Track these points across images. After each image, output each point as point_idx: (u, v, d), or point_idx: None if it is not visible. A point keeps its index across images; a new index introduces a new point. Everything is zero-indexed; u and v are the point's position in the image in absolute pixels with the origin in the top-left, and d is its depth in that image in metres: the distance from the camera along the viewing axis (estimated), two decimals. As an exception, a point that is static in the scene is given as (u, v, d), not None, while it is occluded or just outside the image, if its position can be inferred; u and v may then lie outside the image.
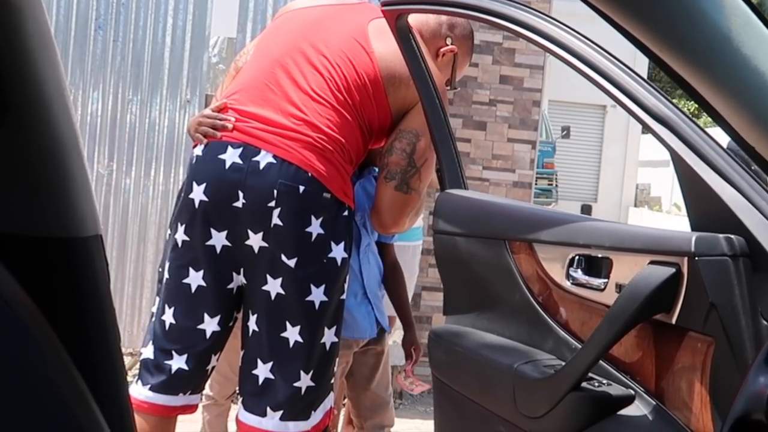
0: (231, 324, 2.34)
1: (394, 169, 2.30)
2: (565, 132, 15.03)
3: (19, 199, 0.80)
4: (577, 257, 1.86)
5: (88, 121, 4.62)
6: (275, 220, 2.15)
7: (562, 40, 1.75)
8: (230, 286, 2.26)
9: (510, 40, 5.10)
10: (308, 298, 2.20)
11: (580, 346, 1.84)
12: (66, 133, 0.83)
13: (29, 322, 0.78)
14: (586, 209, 18.50)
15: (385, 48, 2.31)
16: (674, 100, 1.56)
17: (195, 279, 2.24)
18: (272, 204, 2.14)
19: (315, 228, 2.18)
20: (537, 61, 5.15)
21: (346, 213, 2.25)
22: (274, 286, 2.19)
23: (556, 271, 1.91)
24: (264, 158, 2.15)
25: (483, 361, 1.98)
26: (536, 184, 8.25)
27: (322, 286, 2.21)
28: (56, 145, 0.82)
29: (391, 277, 2.76)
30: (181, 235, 2.25)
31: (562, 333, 1.90)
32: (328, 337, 2.28)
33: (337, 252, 2.23)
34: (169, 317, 2.28)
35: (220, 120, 2.25)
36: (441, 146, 2.28)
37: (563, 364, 1.81)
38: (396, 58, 2.29)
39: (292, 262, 2.17)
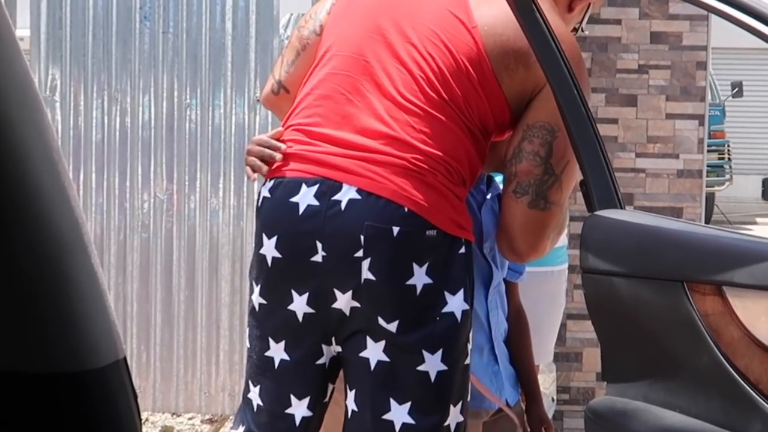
0: (326, 400, 2.28)
1: (526, 181, 2.18)
2: (736, 89, 14.52)
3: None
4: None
5: (139, 134, 4.65)
6: (365, 273, 2.07)
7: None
8: (321, 362, 2.20)
9: (661, -14, 4.90)
10: (420, 368, 2.10)
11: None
12: (64, 226, 0.77)
13: None
14: (769, 184, 17.89)
15: (491, 17, 2.19)
16: None
17: (277, 351, 2.19)
18: (360, 253, 2.06)
19: (420, 278, 2.08)
20: (698, 9, 4.92)
21: (462, 250, 2.14)
22: (374, 352, 2.12)
23: (760, 326, 1.76)
24: (346, 194, 2.07)
25: (665, 454, 1.79)
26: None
27: (439, 352, 2.11)
28: (50, 245, 0.75)
29: (515, 329, 2.58)
30: (257, 298, 2.21)
31: (775, 413, 1.70)
32: (453, 417, 2.17)
33: (455, 304, 2.12)
34: (255, 397, 2.25)
35: (272, 148, 2.19)
36: (584, 151, 2.13)
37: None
38: (508, 28, 2.16)
39: (392, 327, 2.08)
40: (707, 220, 13.12)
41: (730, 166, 14.08)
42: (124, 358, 0.82)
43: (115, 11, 4.58)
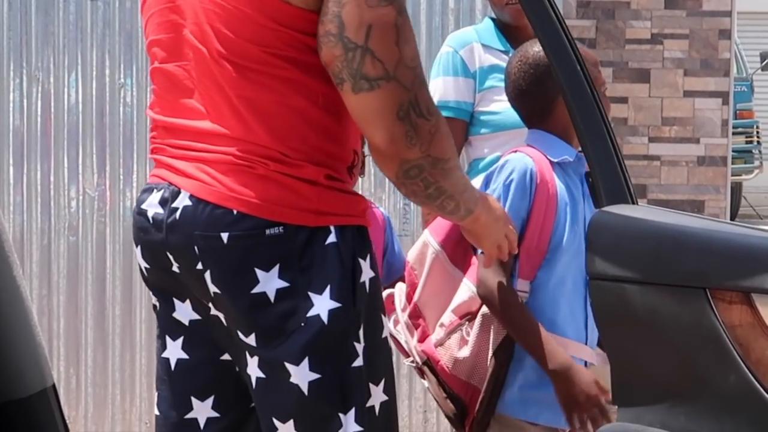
0: (250, 409, 2.36)
1: (335, 67, 2.21)
2: (766, 61, 14.63)
3: None
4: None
5: (65, 119, 4.63)
6: (211, 286, 2.20)
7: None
8: (224, 358, 2.32)
9: (677, -58, 4.95)
10: (292, 380, 2.19)
11: None
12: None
13: None
14: (806, 171, 18.06)
15: None
16: None
17: (173, 350, 2.32)
18: (200, 266, 2.20)
19: (269, 283, 2.17)
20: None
21: (332, 239, 2.21)
22: (252, 368, 2.23)
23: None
24: (182, 201, 2.21)
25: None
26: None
27: (305, 361, 2.18)
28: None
29: None
30: (153, 298, 2.38)
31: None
32: (348, 425, 2.23)
33: (321, 305, 2.18)
34: (155, 408, 2.41)
35: None
36: (588, 136, 2.19)
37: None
38: None
39: (251, 341, 2.19)
40: (733, 215, 13.22)
41: (760, 151, 14.18)
42: (53, 386, 0.86)
43: (35, -25, 4.59)
